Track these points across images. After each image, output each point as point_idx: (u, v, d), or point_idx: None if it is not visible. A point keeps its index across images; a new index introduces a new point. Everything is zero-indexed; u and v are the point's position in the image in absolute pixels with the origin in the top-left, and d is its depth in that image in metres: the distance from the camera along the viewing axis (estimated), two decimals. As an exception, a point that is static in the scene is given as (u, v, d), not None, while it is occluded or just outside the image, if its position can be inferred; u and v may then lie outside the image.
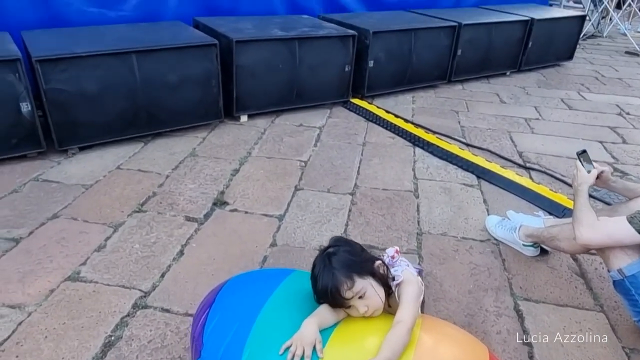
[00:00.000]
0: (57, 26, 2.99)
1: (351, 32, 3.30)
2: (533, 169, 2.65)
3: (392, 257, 1.23)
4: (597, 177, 1.63)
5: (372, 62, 3.48)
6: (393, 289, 1.15)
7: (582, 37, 5.99)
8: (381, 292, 1.09)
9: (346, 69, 3.39)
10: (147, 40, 2.64)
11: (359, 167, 2.59)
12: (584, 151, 1.67)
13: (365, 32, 3.39)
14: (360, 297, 1.05)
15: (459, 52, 3.97)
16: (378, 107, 3.49)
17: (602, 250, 1.49)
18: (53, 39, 2.59)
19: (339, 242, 1.17)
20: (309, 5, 4.12)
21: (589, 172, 1.62)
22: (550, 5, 6.39)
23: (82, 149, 2.60)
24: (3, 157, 2.39)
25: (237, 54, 2.87)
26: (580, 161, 1.65)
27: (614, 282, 1.45)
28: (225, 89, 2.96)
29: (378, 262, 1.15)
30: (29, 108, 2.33)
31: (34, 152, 2.47)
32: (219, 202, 2.18)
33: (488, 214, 2.16)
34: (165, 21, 3.29)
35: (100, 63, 2.45)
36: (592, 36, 6.58)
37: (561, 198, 2.33)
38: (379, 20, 3.73)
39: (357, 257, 1.12)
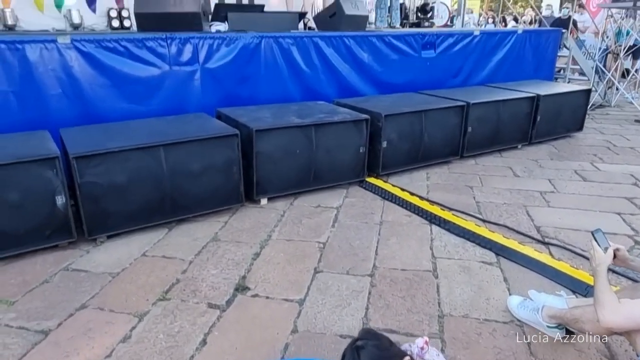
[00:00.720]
0: (92, 122, 3.25)
1: (364, 116, 3.49)
2: (552, 244, 2.64)
3: (422, 349, 1.24)
4: (615, 256, 1.64)
5: (385, 142, 3.64)
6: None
7: (591, 107, 6.15)
8: None
9: (361, 150, 3.53)
10: (174, 134, 2.84)
11: (376, 247, 2.62)
12: (599, 230, 1.69)
13: (377, 115, 3.57)
14: None
15: (469, 129, 4.12)
16: (393, 185, 3.58)
17: (627, 333, 1.47)
18: (88, 136, 2.81)
19: (367, 335, 1.19)
20: (323, 90, 4.38)
21: (606, 249, 1.63)
22: (556, 79, 6.64)
23: (110, 237, 2.72)
24: (37, 248, 2.51)
25: (257, 142, 3.04)
26: (596, 240, 1.67)
27: (643, 367, 1.42)
28: (245, 174, 3.11)
29: (406, 358, 1.16)
30: (64, 201, 2.48)
31: (65, 242, 2.59)
32: (241, 288, 2.22)
33: (509, 294, 2.15)
34: (190, 113, 3.53)
35: (131, 157, 2.63)
36: (601, 106, 6.74)
37: (583, 275, 2.31)
38: (390, 103, 3.94)
39: (386, 352, 1.14)
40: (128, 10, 6.75)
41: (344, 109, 3.73)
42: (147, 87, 3.52)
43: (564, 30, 6.17)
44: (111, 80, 3.37)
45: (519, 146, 4.63)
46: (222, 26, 4.16)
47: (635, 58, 7.54)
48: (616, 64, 6.83)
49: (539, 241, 2.69)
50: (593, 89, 6.56)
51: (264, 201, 3.26)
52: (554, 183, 3.65)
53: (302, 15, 4.98)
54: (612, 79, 6.77)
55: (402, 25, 7.19)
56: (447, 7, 9.90)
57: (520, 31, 5.67)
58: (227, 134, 2.95)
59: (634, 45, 6.96)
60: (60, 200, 2.48)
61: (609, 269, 1.93)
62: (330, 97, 4.33)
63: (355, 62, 4.52)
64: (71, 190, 2.56)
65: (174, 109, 3.64)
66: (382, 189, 3.52)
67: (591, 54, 7.99)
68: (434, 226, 2.89)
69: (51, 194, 2.45)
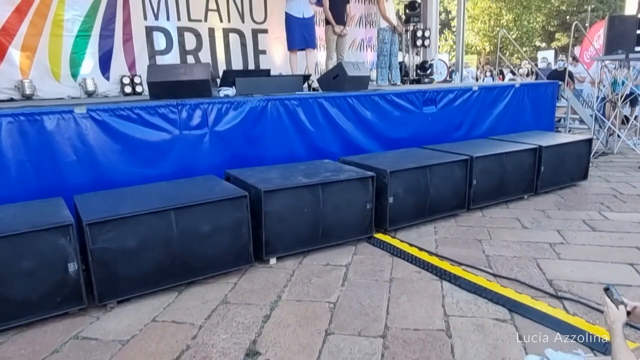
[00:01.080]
0: (105, 186, 3.33)
1: (369, 173, 3.55)
2: (566, 299, 2.60)
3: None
4: (630, 312, 1.62)
5: (391, 198, 3.68)
6: None
7: (594, 155, 6.21)
8: None
9: (367, 206, 3.57)
10: (184, 197, 2.91)
11: (387, 306, 2.60)
12: (611, 286, 1.69)
13: (382, 171, 3.64)
14: None
15: (474, 181, 4.17)
16: (401, 241, 3.59)
17: (649, 395, 1.42)
18: (101, 202, 2.88)
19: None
20: (329, 148, 4.49)
21: (619, 305, 1.61)
22: (557, 129, 6.76)
23: (120, 302, 2.71)
24: (47, 316, 2.51)
25: (265, 203, 3.10)
26: (609, 297, 1.66)
27: None
28: (254, 234, 3.14)
29: None
30: (75, 268, 2.51)
31: (75, 309, 2.59)
32: (252, 353, 2.19)
33: (526, 353, 2.10)
34: (200, 176, 3.61)
35: (143, 221, 2.68)
36: (604, 153, 6.80)
37: (600, 331, 2.26)
38: (395, 159, 4.02)
39: None
40: (140, 76, 7.09)
41: (349, 166, 3.81)
42: (158, 151, 3.64)
43: (560, 83, 6.36)
44: (124, 146, 3.50)
45: (525, 197, 4.65)
46: (230, 91, 4.35)
47: (633, 105, 7.69)
48: (615, 112, 6.96)
49: (552, 295, 2.65)
50: (594, 137, 6.65)
51: (273, 261, 3.26)
52: (563, 234, 3.64)
53: (306, 77, 5.20)
54: (612, 127, 6.88)
55: (403, 82, 7.46)
56: (445, 63, 10.28)
57: (517, 85, 5.86)
58: (236, 195, 3.01)
59: (631, 93, 7.12)
60: (72, 267, 2.51)
61: (628, 324, 1.89)
62: (336, 154, 4.44)
63: (359, 120, 4.66)
64: (83, 255, 2.60)
65: (184, 171, 3.74)
66: (391, 244, 3.52)
67: (589, 103, 8.17)
68: (444, 282, 2.87)
69: (64, 261, 2.49)
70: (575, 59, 10.13)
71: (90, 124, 3.35)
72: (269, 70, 4.93)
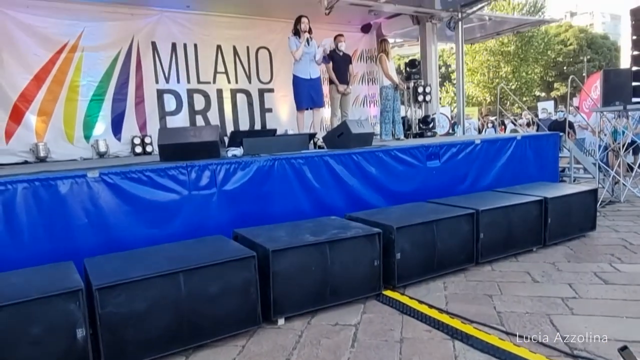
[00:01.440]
0: (115, 248, 3.38)
1: (376, 230, 3.58)
2: (582, 358, 2.54)
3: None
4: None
5: (399, 254, 3.68)
6: None
7: (600, 204, 6.20)
8: None
9: (375, 263, 3.56)
10: (193, 259, 2.93)
11: (399, 369, 2.54)
12: (626, 347, 1.67)
13: (389, 228, 3.66)
14: None
15: (481, 235, 4.17)
16: (411, 298, 3.55)
17: None
18: (111, 265, 2.91)
19: None
20: (335, 204, 4.54)
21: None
22: (562, 178, 6.81)
23: (126, 368, 2.67)
24: (53, 385, 2.47)
25: (273, 262, 3.11)
26: (624, 358, 1.63)
27: None
28: (262, 294, 3.12)
29: None
30: (84, 334, 2.50)
31: (82, 376, 2.55)
32: (260, 422, 2.13)
33: (544, 418, 2.03)
34: (208, 236, 3.64)
35: (151, 284, 2.70)
36: (610, 202, 6.78)
37: (619, 392, 2.19)
38: (401, 215, 4.05)
39: None
40: (150, 137, 7.32)
41: (356, 223, 3.84)
42: (167, 212, 3.71)
43: (561, 134, 6.47)
44: (134, 208, 3.57)
45: (534, 249, 4.61)
46: (237, 151, 4.48)
47: (635, 154, 7.75)
48: (618, 161, 7.02)
49: (567, 354, 2.59)
50: (600, 185, 6.67)
51: (281, 321, 3.22)
52: (574, 288, 3.59)
53: (311, 135, 5.36)
54: (617, 176, 6.91)
55: (406, 136, 7.63)
56: (447, 117, 10.54)
57: (519, 137, 5.97)
58: (244, 256, 3.03)
59: (633, 142, 7.20)
60: (80, 333, 2.50)
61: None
62: (342, 210, 4.48)
63: (364, 176, 4.74)
64: (91, 319, 2.59)
65: (193, 231, 3.78)
66: (400, 302, 3.48)
67: (591, 152, 8.26)
68: (456, 342, 2.81)
69: (72, 327, 2.48)
70: (575, 108, 10.35)
71: (102, 187, 3.45)
72: (275, 130, 5.09)
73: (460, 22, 8.48)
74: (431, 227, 3.88)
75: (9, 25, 6.39)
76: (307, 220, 4.07)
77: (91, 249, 3.32)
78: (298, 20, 6.02)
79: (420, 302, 3.46)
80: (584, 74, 32.36)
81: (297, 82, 6.17)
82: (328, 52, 6.47)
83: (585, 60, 34.17)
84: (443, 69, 29.61)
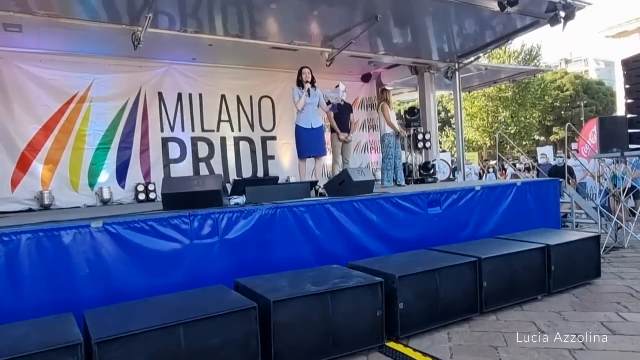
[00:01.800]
0: (116, 298, 3.35)
1: (378, 279, 3.56)
2: (592, 415, 2.46)
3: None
4: None
5: (402, 304, 3.63)
6: None
7: (605, 250, 6.15)
8: None
9: (378, 313, 3.52)
10: (193, 311, 2.91)
11: None
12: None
13: (391, 277, 3.64)
14: None
15: (485, 284, 4.13)
16: (415, 350, 3.47)
17: None
18: (111, 317, 2.89)
19: None
20: (336, 252, 4.52)
21: None
22: (565, 224, 6.80)
23: None
24: None
25: (275, 313, 3.08)
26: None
27: None
28: (264, 345, 3.07)
29: None
30: (82, 389, 2.46)
31: None
32: None
33: None
34: (209, 287, 3.62)
35: (151, 337, 2.67)
36: (615, 248, 6.73)
37: None
38: (403, 263, 4.03)
39: None
40: (154, 184, 7.40)
41: (357, 272, 3.82)
42: (169, 262, 3.71)
43: (561, 180, 6.53)
44: (136, 258, 3.58)
45: (540, 297, 4.54)
46: (240, 199, 4.53)
47: (636, 199, 7.77)
48: (619, 206, 7.03)
49: (577, 411, 2.51)
50: (603, 231, 6.65)
51: (282, 375, 3.15)
52: (582, 338, 3.51)
53: (313, 184, 5.42)
54: (619, 222, 6.89)
55: (407, 182, 7.69)
56: (447, 163, 10.67)
57: (519, 183, 6.02)
58: (245, 307, 3.01)
59: (633, 187, 7.24)
60: (78, 388, 2.45)
61: None
62: (343, 257, 4.46)
63: (366, 224, 4.75)
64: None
65: (194, 280, 3.76)
66: (404, 354, 3.40)
67: (592, 196, 8.29)
68: (462, 397, 2.74)
69: (69, 382, 2.44)
70: (574, 152, 10.47)
71: (105, 237, 3.47)
72: (277, 178, 5.17)
73: (457, 72, 8.75)
74: (434, 276, 3.86)
75: (21, 78, 6.64)
76: (308, 269, 4.06)
77: (92, 300, 3.30)
78: (300, 72, 6.23)
79: (425, 354, 3.39)
80: (582, 119, 32.92)
81: (300, 132, 6.30)
82: (341, 100, 6.51)
83: (582, 105, 34.84)
84: (443, 114, 30.18)
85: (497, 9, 5.74)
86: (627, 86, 6.45)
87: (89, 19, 5.76)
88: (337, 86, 6.49)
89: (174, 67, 7.88)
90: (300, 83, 6.17)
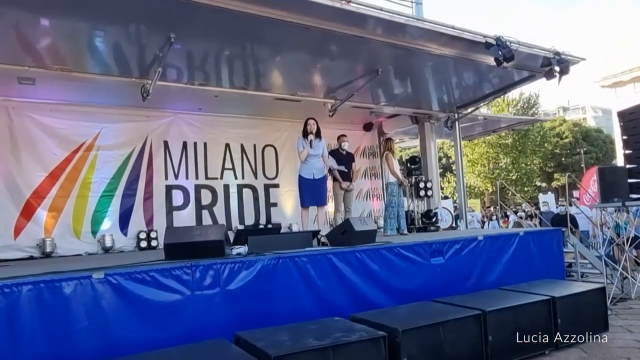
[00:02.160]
0: (113, 351, 3.31)
1: (381, 333, 3.50)
2: None
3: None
4: None
5: (405, 359, 3.55)
6: None
7: (611, 301, 6.04)
8: None
9: (381, 369, 3.44)
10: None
11: None
12: None
13: (394, 331, 3.58)
14: None
15: (490, 337, 4.04)
16: (420, 408, 3.36)
17: None
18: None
19: None
20: (338, 302, 4.46)
21: None
22: (569, 273, 6.72)
23: None
24: None
25: (275, 370, 3.01)
26: None
27: None
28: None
29: None
30: None
31: None
32: None
33: None
34: (209, 340, 3.55)
35: (149, 395, 2.60)
36: (621, 299, 6.61)
37: None
38: (406, 316, 3.98)
39: None
40: (156, 231, 7.40)
41: (360, 325, 3.76)
42: (169, 313, 3.66)
43: (564, 229, 6.51)
44: (136, 310, 3.54)
45: (547, 352, 4.43)
46: (242, 249, 4.52)
47: (638, 248, 7.70)
48: (623, 256, 6.97)
49: None
50: (609, 281, 6.55)
51: None
52: (592, 397, 3.41)
53: (315, 233, 5.42)
54: (624, 272, 6.81)
55: (410, 230, 7.67)
56: (449, 210, 10.68)
57: (521, 233, 6.01)
58: (246, 364, 2.95)
59: (636, 237, 7.20)
60: None
61: None
62: (345, 308, 4.39)
63: (368, 274, 4.71)
64: None
65: (194, 332, 3.70)
66: (408, 413, 3.29)
67: (595, 245, 8.22)
68: None
69: None
70: (575, 200, 10.49)
71: (106, 288, 3.45)
72: (279, 227, 5.18)
73: (457, 122, 8.93)
74: (438, 330, 3.79)
75: (31, 126, 6.79)
76: (310, 321, 3.99)
77: (89, 353, 3.25)
78: (306, 123, 6.37)
79: (430, 413, 3.28)
80: (582, 165, 33.15)
81: (302, 182, 6.37)
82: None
83: (582, 152, 35.17)
84: (444, 160, 30.45)
85: (494, 63, 5.94)
86: (625, 137, 6.57)
87: (101, 72, 5.97)
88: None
89: (180, 117, 8.06)
90: (306, 133, 6.30)
